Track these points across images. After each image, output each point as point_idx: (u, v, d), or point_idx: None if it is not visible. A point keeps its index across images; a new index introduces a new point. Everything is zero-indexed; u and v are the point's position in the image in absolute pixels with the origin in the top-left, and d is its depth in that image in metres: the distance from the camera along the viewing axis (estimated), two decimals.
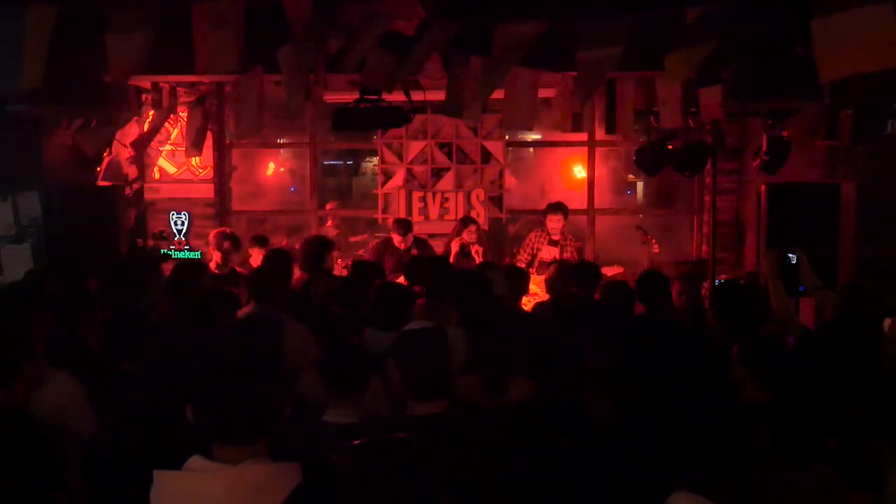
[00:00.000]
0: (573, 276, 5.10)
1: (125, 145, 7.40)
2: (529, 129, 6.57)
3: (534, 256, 7.22)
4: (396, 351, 2.72)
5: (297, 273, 5.53)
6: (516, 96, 5.41)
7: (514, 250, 7.67)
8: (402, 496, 2.07)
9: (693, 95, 5.83)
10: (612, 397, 2.77)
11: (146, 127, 7.25)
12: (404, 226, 7.06)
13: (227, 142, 8.45)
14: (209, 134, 8.19)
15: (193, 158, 8.09)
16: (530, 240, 7.37)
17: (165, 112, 7.11)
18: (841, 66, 3.38)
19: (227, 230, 6.65)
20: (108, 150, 7.01)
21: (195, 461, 1.72)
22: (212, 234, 6.58)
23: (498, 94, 5.44)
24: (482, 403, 2.99)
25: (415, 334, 2.83)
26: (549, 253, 7.16)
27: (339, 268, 6.84)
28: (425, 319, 3.99)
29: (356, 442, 2.16)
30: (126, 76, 4.97)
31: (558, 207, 7.23)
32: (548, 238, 7.25)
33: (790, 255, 4.41)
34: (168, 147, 8.18)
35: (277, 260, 5.36)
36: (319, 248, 5.63)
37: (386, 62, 5.06)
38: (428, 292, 4.77)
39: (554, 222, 7.18)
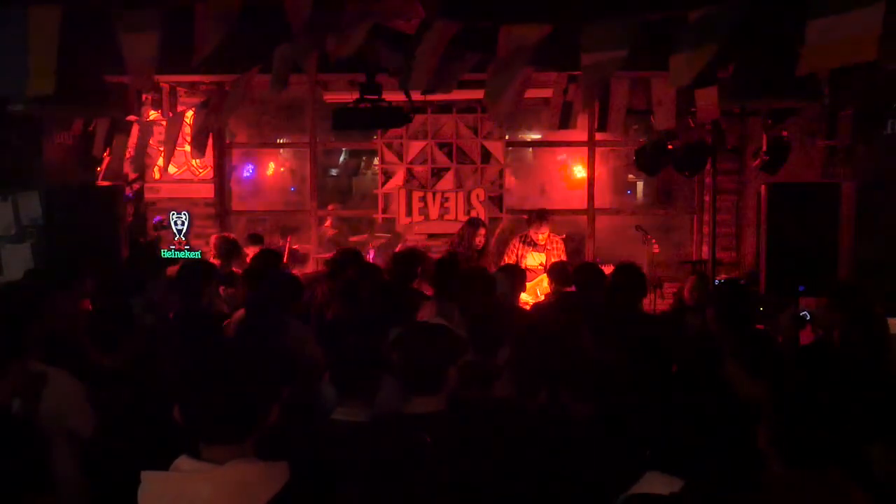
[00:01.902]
0: (575, 277, 5.11)
1: (126, 145, 7.40)
2: (511, 120, 6.52)
3: (517, 262, 6.91)
4: (402, 345, 2.73)
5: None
6: (500, 80, 5.29)
7: (500, 249, 7.49)
8: (397, 494, 2.07)
9: (689, 96, 5.83)
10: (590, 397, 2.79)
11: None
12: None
13: (227, 142, 8.45)
14: (209, 134, 8.22)
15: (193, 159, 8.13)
16: (514, 246, 7.09)
17: (178, 119, 7.10)
18: (820, 59, 3.39)
19: (229, 235, 6.67)
20: (108, 149, 7.01)
21: (183, 461, 1.72)
22: (212, 238, 6.61)
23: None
24: (480, 401, 2.99)
25: (415, 329, 2.83)
26: (534, 259, 6.95)
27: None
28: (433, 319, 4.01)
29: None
30: (148, 78, 4.93)
31: (542, 217, 6.94)
32: (532, 245, 7.00)
33: (803, 314, 4.53)
34: (172, 151, 8.17)
35: (267, 261, 5.37)
36: (351, 259, 5.57)
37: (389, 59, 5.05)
38: (436, 293, 4.80)
39: (540, 233, 6.92)
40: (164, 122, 7.30)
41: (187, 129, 8.11)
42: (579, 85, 5.91)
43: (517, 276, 5.30)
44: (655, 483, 2.06)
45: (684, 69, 4.09)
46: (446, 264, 5.19)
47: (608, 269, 6.65)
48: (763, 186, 6.49)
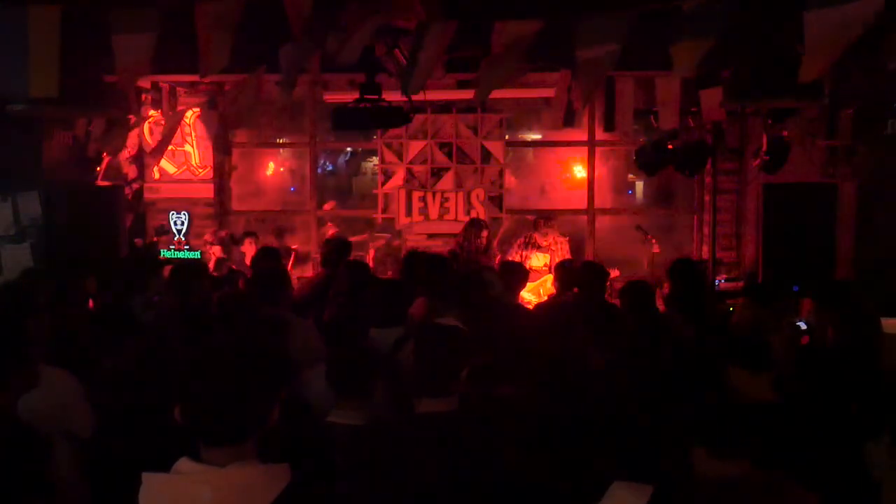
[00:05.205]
0: (577, 278, 5.09)
1: (125, 145, 7.41)
2: (501, 109, 6.56)
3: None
4: (415, 346, 2.71)
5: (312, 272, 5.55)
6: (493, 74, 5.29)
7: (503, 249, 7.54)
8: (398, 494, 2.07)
9: (693, 96, 5.83)
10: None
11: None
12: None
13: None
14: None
15: (193, 158, 8.15)
16: (518, 248, 7.07)
17: (178, 116, 7.12)
18: (821, 56, 3.35)
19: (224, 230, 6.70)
20: (105, 149, 7.02)
21: (183, 463, 1.71)
22: (209, 232, 6.62)
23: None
24: (488, 400, 2.98)
25: (429, 331, 2.82)
26: (539, 260, 6.93)
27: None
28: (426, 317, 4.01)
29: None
30: (135, 78, 4.94)
31: (548, 221, 6.94)
32: (536, 248, 6.99)
33: (799, 324, 4.52)
34: (168, 147, 8.18)
35: (270, 258, 5.36)
36: (339, 249, 5.61)
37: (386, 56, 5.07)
38: (430, 291, 4.78)
39: (545, 236, 6.92)
40: (163, 123, 7.30)
41: (187, 129, 8.16)
42: (576, 82, 5.92)
43: (514, 273, 5.29)
44: (621, 495, 1.99)
45: (686, 58, 4.08)
46: (438, 262, 5.18)
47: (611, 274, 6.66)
48: (763, 186, 6.51)
